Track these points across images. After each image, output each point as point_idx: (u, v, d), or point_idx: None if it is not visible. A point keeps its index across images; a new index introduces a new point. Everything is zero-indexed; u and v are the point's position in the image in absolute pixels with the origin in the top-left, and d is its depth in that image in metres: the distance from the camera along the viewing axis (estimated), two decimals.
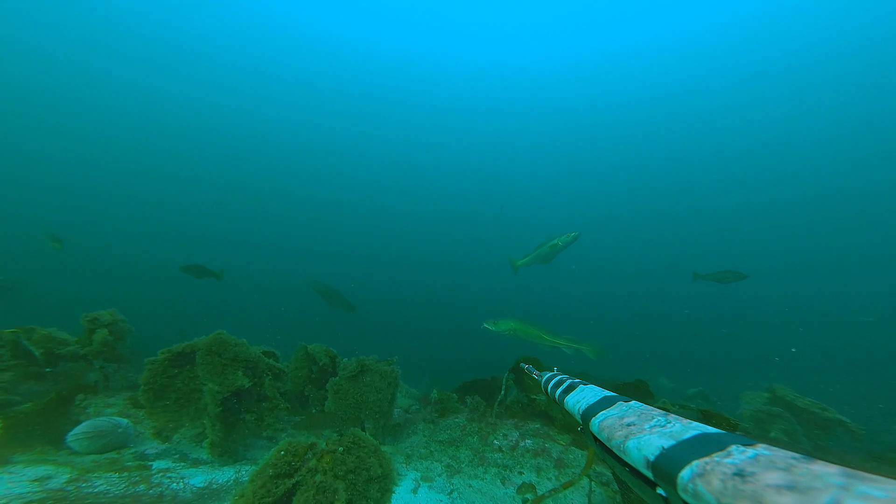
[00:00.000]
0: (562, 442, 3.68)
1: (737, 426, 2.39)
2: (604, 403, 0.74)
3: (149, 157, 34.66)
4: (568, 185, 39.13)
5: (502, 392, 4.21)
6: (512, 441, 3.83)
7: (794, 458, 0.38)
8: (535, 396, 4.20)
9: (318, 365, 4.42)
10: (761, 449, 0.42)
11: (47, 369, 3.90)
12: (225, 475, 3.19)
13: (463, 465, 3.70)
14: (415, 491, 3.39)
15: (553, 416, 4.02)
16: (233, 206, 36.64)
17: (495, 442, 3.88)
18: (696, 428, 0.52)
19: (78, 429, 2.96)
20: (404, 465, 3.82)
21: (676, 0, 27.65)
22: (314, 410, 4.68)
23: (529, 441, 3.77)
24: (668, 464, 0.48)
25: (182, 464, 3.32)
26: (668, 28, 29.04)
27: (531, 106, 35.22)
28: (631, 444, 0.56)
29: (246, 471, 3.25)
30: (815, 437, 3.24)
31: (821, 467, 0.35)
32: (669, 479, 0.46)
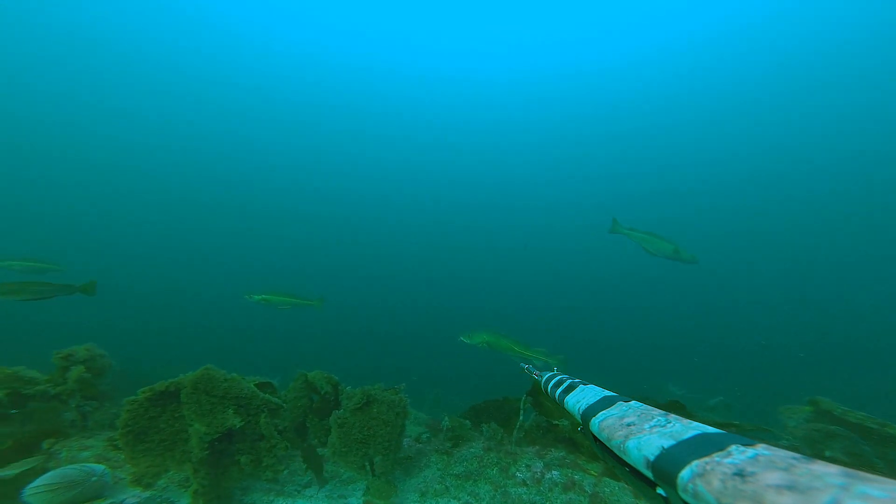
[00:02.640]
0: (593, 472, 3.33)
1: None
2: (604, 403, 0.73)
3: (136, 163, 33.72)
4: (562, 187, 39.29)
5: (521, 417, 3.86)
6: (536, 472, 3.46)
7: (794, 458, 0.37)
8: (556, 422, 3.85)
9: (319, 394, 4.05)
10: (761, 449, 0.41)
11: (12, 411, 3.48)
12: None
13: (484, 503, 3.32)
14: None
15: (579, 442, 3.67)
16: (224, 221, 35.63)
17: (518, 474, 3.51)
18: (696, 428, 0.51)
19: (38, 481, 2.56)
20: None
21: (672, 7, 28.09)
22: (314, 441, 4.28)
23: (556, 472, 3.41)
24: (668, 464, 0.47)
25: None
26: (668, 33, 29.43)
27: (529, 113, 35.57)
28: (631, 444, 0.55)
29: None
30: (884, 455, 2.89)
31: (821, 467, 0.35)
32: (669, 480, 0.46)
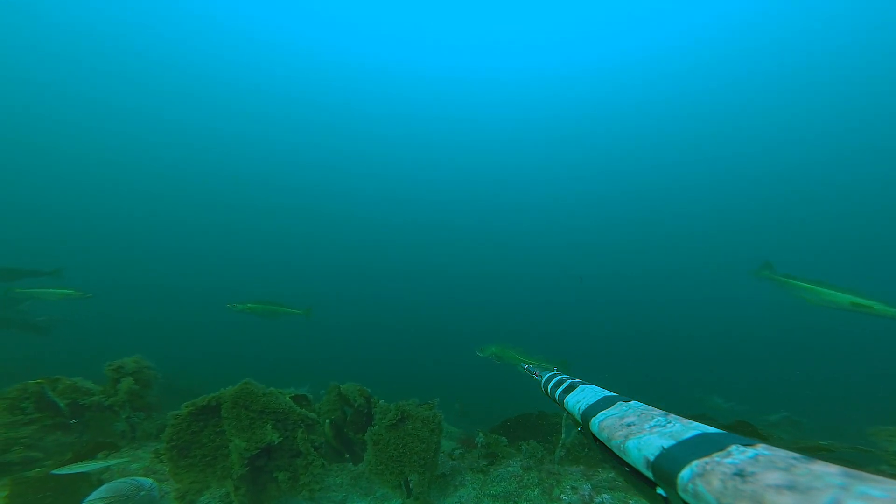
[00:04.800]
0: None
1: None
2: (604, 403, 0.73)
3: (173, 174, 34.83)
4: (576, 191, 38.07)
5: (563, 434, 3.61)
6: (584, 495, 3.20)
7: (794, 458, 0.37)
8: None
9: (352, 407, 4.01)
10: (761, 449, 0.41)
11: (72, 420, 3.69)
12: None
13: None
14: None
15: None
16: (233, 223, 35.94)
17: (563, 497, 3.26)
18: (696, 428, 0.51)
19: (94, 494, 2.64)
20: None
21: (677, 6, 27.33)
22: (347, 455, 4.24)
23: (607, 496, 3.14)
24: (668, 464, 0.47)
25: None
26: (669, 32, 28.60)
27: (525, 112, 34.90)
28: (631, 444, 0.55)
29: None
30: None
31: (821, 467, 0.35)
32: (669, 480, 0.45)
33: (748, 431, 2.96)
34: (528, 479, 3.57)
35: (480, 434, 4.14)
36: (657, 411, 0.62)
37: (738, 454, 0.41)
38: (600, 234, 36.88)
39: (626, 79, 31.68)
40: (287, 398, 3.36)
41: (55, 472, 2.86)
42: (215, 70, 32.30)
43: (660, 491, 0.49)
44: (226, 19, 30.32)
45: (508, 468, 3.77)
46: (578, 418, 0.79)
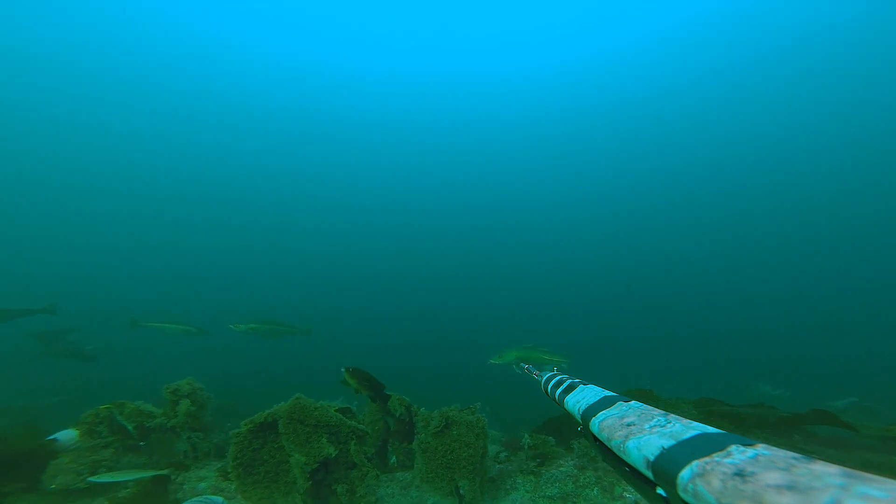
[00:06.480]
0: None
1: None
2: (604, 403, 0.73)
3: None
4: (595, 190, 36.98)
5: None
6: None
7: (795, 458, 0.37)
8: None
9: (394, 417, 4.06)
10: (761, 449, 0.41)
11: (141, 443, 3.94)
12: None
13: None
14: None
15: None
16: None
17: (626, 495, 3.16)
18: (696, 428, 0.51)
19: None
20: None
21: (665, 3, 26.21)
22: (393, 460, 4.29)
23: None
24: (668, 464, 0.47)
25: None
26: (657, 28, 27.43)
27: (522, 112, 34.19)
28: (631, 444, 0.55)
29: None
30: None
31: (821, 467, 0.35)
32: (669, 480, 0.46)
33: (827, 419, 2.75)
34: (585, 479, 3.48)
35: (526, 435, 4.08)
36: (657, 411, 0.61)
37: (738, 454, 0.41)
38: (635, 223, 35.68)
39: (627, 76, 30.66)
40: (333, 411, 3.45)
41: (91, 479, 3.06)
42: (207, 82, 31.79)
43: (660, 491, 0.49)
44: (211, 28, 29.60)
45: (561, 468, 3.70)
46: (578, 418, 0.79)
